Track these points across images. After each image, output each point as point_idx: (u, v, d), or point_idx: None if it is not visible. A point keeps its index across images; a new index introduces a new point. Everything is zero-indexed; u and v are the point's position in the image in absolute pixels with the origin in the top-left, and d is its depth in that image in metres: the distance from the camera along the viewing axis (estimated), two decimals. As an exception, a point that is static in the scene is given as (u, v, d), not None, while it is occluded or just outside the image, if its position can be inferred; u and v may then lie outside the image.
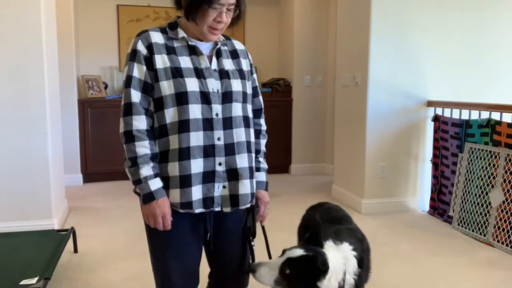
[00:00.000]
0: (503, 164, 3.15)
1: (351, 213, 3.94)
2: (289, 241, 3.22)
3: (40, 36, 3.10)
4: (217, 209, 1.49)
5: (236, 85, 1.50)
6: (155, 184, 1.41)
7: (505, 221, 3.10)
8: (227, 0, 1.40)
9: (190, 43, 1.46)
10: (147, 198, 1.42)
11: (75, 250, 2.96)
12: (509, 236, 3.06)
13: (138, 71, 1.42)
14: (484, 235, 3.25)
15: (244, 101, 1.54)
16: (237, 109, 1.50)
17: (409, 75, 3.85)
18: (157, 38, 1.45)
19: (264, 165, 1.69)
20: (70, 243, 2.88)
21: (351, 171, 4.11)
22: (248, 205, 1.55)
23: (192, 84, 1.42)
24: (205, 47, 1.50)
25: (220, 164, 1.47)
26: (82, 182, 4.93)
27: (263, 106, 1.72)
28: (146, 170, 1.40)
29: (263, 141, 1.72)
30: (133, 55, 1.43)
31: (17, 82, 3.10)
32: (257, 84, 1.68)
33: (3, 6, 3.03)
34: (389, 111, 3.84)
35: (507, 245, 3.06)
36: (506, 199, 3.11)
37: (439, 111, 3.86)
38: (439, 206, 3.85)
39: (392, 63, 3.80)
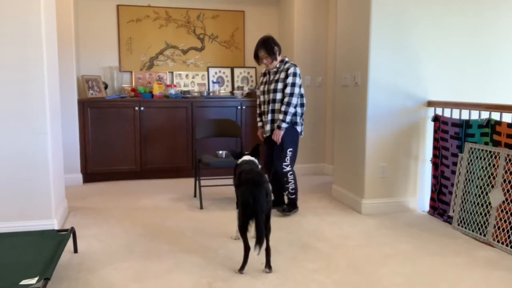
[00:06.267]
0: (503, 164, 3.15)
1: (351, 213, 3.97)
2: (287, 241, 3.23)
3: (40, 36, 3.10)
4: (266, 135, 3.89)
5: (272, 85, 3.78)
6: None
7: (505, 221, 3.10)
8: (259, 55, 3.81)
9: (267, 70, 3.93)
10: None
11: (75, 250, 2.96)
12: (509, 236, 3.06)
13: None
14: (484, 235, 3.25)
15: (274, 92, 3.75)
16: (271, 96, 3.78)
17: (409, 75, 3.85)
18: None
19: (279, 116, 3.71)
20: (70, 243, 2.88)
21: (351, 171, 4.11)
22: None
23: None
24: (271, 71, 3.86)
25: (265, 118, 3.84)
26: (82, 182, 4.93)
27: (288, 91, 3.68)
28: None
29: (282, 106, 3.69)
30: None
31: (17, 82, 3.10)
32: (290, 81, 3.69)
33: (3, 7, 3.03)
34: (389, 111, 3.84)
35: (507, 245, 3.06)
36: (506, 199, 3.11)
37: (439, 111, 3.86)
38: (439, 206, 3.85)
39: (392, 63, 3.80)
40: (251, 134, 5.35)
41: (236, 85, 5.84)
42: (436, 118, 3.84)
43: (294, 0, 5.38)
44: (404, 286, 2.53)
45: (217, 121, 4.63)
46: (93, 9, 5.34)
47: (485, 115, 3.43)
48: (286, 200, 3.92)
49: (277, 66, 3.78)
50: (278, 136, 3.70)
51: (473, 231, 3.36)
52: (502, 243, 3.10)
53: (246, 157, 3.20)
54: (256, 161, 3.20)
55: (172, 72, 5.67)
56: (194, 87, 5.71)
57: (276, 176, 3.83)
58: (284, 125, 3.67)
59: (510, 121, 3.17)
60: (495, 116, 3.34)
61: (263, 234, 2.57)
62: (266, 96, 3.82)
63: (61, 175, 3.75)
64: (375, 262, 2.87)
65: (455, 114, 3.74)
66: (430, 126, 3.93)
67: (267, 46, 3.73)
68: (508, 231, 3.07)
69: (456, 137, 3.61)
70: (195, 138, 4.49)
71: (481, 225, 3.29)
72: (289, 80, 3.68)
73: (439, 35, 3.89)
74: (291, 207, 3.85)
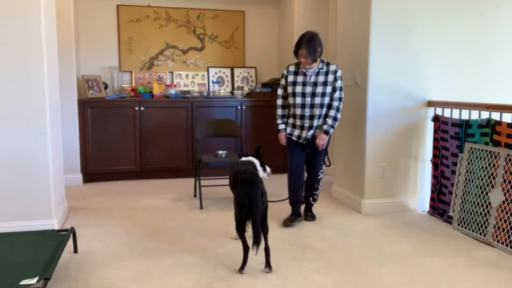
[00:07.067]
0: (503, 164, 3.15)
1: (351, 213, 3.97)
2: (287, 241, 3.23)
3: (40, 36, 3.10)
4: (304, 142, 3.55)
5: (319, 89, 3.44)
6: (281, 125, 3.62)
7: (505, 221, 3.10)
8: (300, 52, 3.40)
9: (303, 70, 3.48)
10: (278, 131, 3.63)
11: (75, 250, 2.96)
12: (509, 236, 3.06)
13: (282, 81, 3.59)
14: (484, 235, 3.25)
15: (323, 96, 3.44)
16: (317, 100, 3.45)
17: (409, 75, 3.85)
18: (291, 68, 3.56)
19: (327, 121, 3.48)
20: (70, 243, 2.88)
21: (351, 171, 4.11)
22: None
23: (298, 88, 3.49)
24: (310, 71, 3.46)
25: (306, 123, 3.49)
26: (82, 182, 4.93)
27: (338, 96, 3.48)
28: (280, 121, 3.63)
29: (331, 110, 3.48)
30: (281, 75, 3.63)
31: (17, 82, 3.10)
32: (339, 85, 3.49)
33: (3, 7, 3.03)
34: (389, 111, 3.84)
35: (507, 245, 3.06)
36: (506, 199, 3.11)
37: (439, 111, 3.86)
38: (439, 206, 3.85)
39: (392, 63, 3.80)
40: (251, 134, 5.36)
41: (236, 85, 5.84)
42: (436, 118, 3.84)
43: (294, 0, 5.38)
44: (404, 286, 2.53)
45: (217, 121, 4.63)
46: (93, 9, 5.34)
47: (485, 115, 3.43)
48: (307, 205, 3.77)
49: (319, 67, 3.46)
50: (324, 141, 3.48)
51: (473, 231, 3.36)
52: (502, 243, 3.10)
53: (245, 158, 3.22)
54: (256, 162, 3.20)
55: (172, 72, 5.67)
56: (194, 87, 5.71)
57: (310, 182, 3.69)
58: (331, 130, 3.49)
59: (510, 121, 3.17)
60: (495, 116, 3.34)
61: (260, 234, 2.59)
62: (308, 99, 3.44)
63: (61, 175, 3.74)
64: (375, 262, 2.87)
65: (455, 114, 3.74)
66: (430, 126, 3.93)
67: (311, 45, 3.35)
68: (508, 231, 3.07)
69: (456, 137, 3.61)
70: (195, 138, 4.49)
71: (481, 225, 3.29)
72: (338, 84, 3.47)
73: (439, 35, 3.89)
74: (312, 214, 3.77)
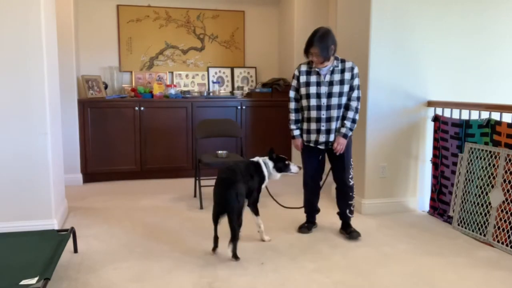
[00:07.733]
0: (503, 164, 3.15)
1: (351, 213, 3.94)
2: (288, 241, 3.23)
3: (40, 36, 3.10)
4: (321, 147, 3.26)
5: (335, 88, 3.15)
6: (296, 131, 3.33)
7: (505, 221, 3.10)
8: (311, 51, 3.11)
9: (316, 69, 3.19)
10: (293, 137, 3.35)
11: (75, 250, 2.96)
12: (509, 236, 3.06)
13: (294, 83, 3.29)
14: (484, 235, 3.25)
15: (340, 96, 3.16)
16: (335, 100, 3.16)
17: (409, 75, 3.85)
18: (303, 67, 3.26)
19: (346, 124, 3.19)
20: (70, 243, 2.88)
21: (351, 171, 4.11)
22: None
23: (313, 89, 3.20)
24: (324, 70, 3.18)
25: (323, 126, 3.20)
26: (82, 182, 4.93)
27: (356, 95, 3.20)
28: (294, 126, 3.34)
29: (349, 112, 3.19)
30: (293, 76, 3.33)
31: (17, 82, 3.10)
32: (356, 83, 3.20)
33: (3, 7, 3.03)
34: (389, 111, 3.84)
35: (507, 245, 3.06)
36: (506, 199, 3.11)
37: (439, 111, 3.86)
38: (439, 206, 3.85)
39: (392, 63, 3.80)
40: (251, 134, 5.35)
41: (236, 85, 5.84)
42: (436, 118, 3.84)
43: (294, 0, 5.38)
44: (404, 286, 2.53)
45: (217, 121, 4.63)
46: (93, 9, 5.34)
47: (485, 115, 3.43)
48: (345, 219, 3.40)
49: (333, 64, 3.16)
50: (343, 146, 3.19)
51: (473, 231, 3.36)
52: (502, 243, 3.10)
53: (254, 159, 3.25)
54: (265, 162, 3.20)
55: (172, 72, 5.67)
56: (194, 87, 5.71)
57: (342, 191, 3.37)
58: (350, 133, 3.21)
59: (510, 121, 3.17)
60: (495, 116, 3.34)
61: (236, 232, 2.79)
62: (323, 100, 3.15)
63: (61, 175, 3.74)
64: (375, 262, 2.87)
65: (455, 114, 3.74)
66: (430, 126, 3.93)
67: (323, 43, 3.06)
68: (508, 231, 3.07)
69: (456, 137, 3.61)
70: (195, 138, 4.49)
71: (481, 225, 3.29)
72: (356, 82, 3.17)
73: (439, 35, 3.89)
74: (355, 229, 3.33)
